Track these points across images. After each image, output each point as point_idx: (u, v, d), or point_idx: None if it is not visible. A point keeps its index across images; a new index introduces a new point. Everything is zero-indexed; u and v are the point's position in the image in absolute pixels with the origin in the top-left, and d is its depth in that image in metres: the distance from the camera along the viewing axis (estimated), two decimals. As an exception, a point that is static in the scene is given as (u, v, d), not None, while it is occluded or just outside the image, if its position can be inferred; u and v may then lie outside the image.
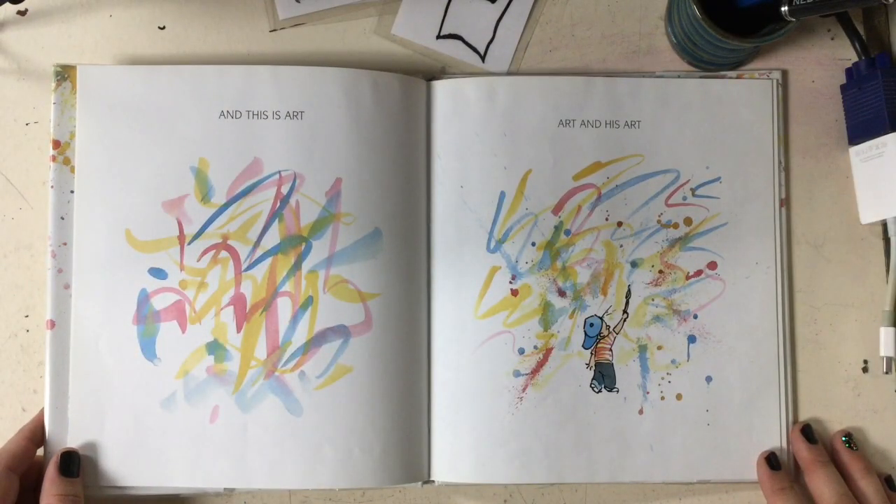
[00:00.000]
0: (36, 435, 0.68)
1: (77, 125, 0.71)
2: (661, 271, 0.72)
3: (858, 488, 0.69)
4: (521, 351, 0.71)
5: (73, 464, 0.67)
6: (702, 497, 0.73)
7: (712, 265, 0.72)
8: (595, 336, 0.72)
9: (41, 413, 0.69)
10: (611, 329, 0.72)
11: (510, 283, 0.72)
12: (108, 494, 0.69)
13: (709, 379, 0.72)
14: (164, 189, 0.71)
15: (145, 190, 0.71)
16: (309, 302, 0.70)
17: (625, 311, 0.72)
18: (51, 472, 0.66)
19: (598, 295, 0.72)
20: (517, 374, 0.71)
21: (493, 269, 0.72)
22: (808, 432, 0.71)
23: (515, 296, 0.72)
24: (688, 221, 0.73)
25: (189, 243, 0.70)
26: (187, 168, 0.71)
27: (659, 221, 0.72)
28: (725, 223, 0.73)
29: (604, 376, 0.71)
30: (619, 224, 0.72)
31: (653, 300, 0.72)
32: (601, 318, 0.72)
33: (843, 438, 0.71)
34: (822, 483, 0.68)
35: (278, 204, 0.71)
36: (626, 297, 0.72)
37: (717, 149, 0.73)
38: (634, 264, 0.72)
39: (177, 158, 0.71)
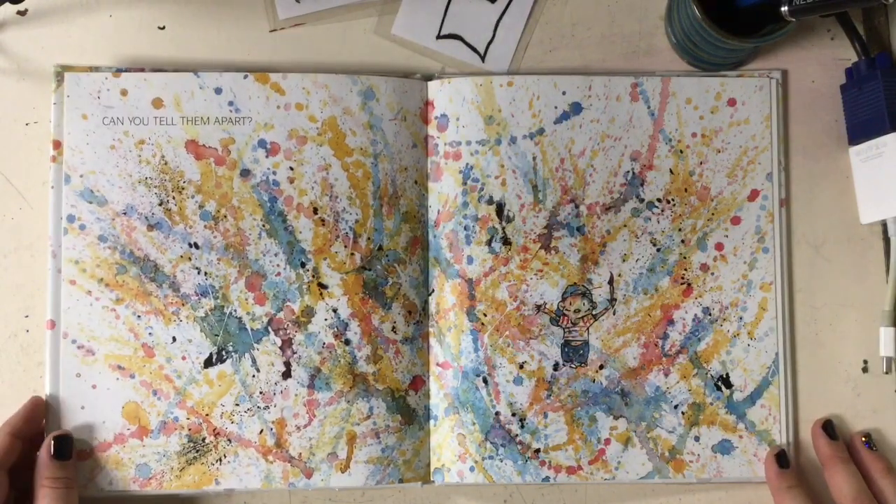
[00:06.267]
0: (17, 429, 0.67)
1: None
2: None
3: (878, 487, 0.69)
4: (522, 351, 0.72)
5: (66, 446, 0.67)
6: (701, 497, 0.73)
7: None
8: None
9: (22, 407, 0.68)
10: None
11: (510, 283, 0.72)
12: (108, 495, 0.69)
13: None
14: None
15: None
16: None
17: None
18: (43, 456, 0.66)
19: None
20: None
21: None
22: (830, 428, 0.71)
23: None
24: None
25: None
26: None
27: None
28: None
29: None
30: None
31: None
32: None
33: (863, 439, 0.71)
34: (841, 479, 0.68)
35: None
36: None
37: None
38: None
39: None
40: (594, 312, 0.72)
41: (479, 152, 0.72)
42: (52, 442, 0.67)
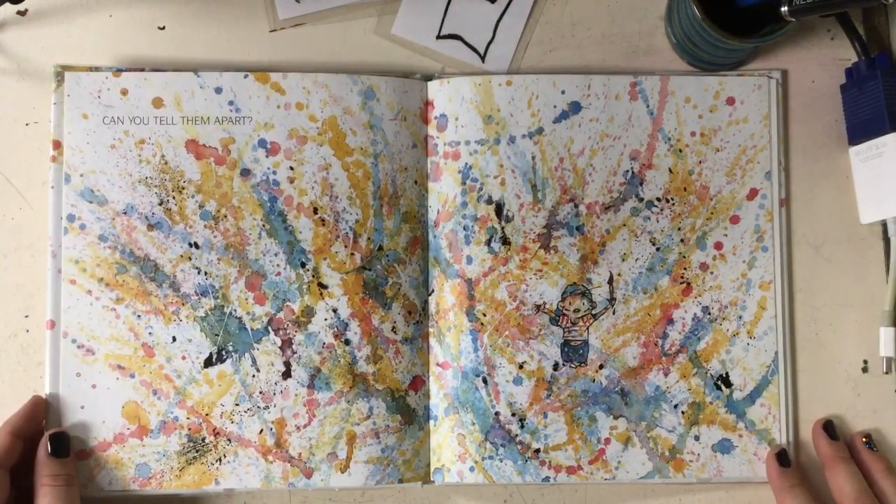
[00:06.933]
0: (18, 428, 0.67)
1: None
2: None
3: (879, 488, 0.69)
4: (521, 351, 0.72)
5: (63, 444, 0.67)
6: (702, 497, 0.73)
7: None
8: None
9: (23, 406, 0.68)
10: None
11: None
12: (108, 495, 0.70)
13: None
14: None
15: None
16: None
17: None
18: (41, 454, 0.66)
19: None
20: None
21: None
22: (830, 428, 0.71)
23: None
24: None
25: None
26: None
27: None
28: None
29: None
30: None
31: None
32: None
33: (864, 439, 0.71)
34: (842, 479, 0.68)
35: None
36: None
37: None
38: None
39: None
40: (594, 312, 0.72)
41: (478, 152, 0.72)
42: (49, 440, 0.67)
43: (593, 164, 0.73)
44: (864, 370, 0.74)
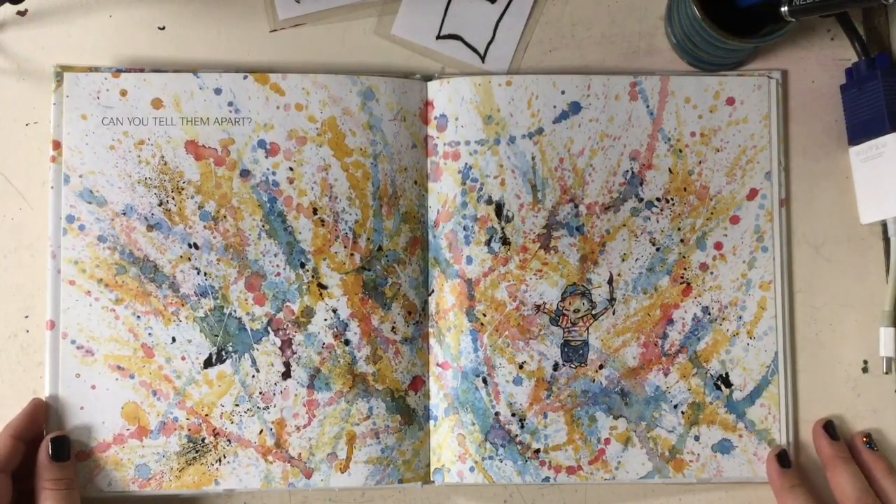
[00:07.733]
0: (20, 431, 0.67)
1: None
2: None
3: (880, 488, 0.69)
4: (521, 351, 0.72)
5: (64, 447, 0.67)
6: (702, 497, 0.73)
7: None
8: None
9: (23, 409, 0.68)
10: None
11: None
12: (108, 495, 0.70)
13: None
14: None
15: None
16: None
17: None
18: (42, 457, 0.66)
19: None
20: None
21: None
22: (831, 428, 0.71)
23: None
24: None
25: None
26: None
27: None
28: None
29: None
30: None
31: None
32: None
33: (864, 439, 0.71)
34: (843, 479, 0.68)
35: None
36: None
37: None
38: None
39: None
40: (594, 312, 0.72)
41: (478, 152, 0.72)
42: (50, 443, 0.67)
43: (593, 164, 0.73)
44: (864, 370, 0.74)
